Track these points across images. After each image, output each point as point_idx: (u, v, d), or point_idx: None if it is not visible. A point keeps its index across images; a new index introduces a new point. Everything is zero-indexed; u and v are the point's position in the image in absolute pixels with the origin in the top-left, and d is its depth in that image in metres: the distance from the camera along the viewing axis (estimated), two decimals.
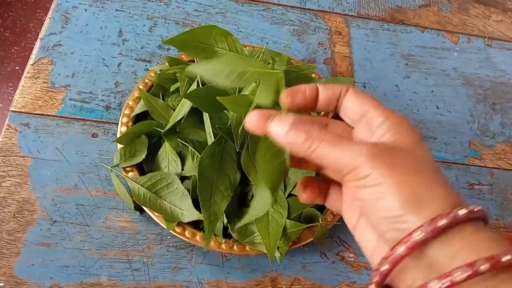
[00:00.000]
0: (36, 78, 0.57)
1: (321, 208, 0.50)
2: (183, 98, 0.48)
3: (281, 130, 0.27)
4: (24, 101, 0.55)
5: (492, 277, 0.22)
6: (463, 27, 0.78)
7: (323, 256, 0.52)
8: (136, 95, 0.54)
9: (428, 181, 0.25)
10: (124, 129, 0.52)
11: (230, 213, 0.47)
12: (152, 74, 0.55)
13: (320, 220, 0.48)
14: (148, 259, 0.49)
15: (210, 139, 0.46)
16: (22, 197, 0.50)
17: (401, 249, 0.24)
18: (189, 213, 0.46)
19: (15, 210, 0.49)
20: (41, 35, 0.61)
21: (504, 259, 0.22)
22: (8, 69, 1.44)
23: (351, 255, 0.53)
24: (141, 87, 0.54)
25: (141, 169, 0.51)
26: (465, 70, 0.72)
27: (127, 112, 0.53)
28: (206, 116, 0.47)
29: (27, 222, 0.49)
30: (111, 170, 0.50)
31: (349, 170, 0.26)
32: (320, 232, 0.48)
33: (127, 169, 0.50)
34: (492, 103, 0.70)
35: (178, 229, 0.47)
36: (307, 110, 0.31)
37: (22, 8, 1.56)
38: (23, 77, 0.57)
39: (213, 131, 0.46)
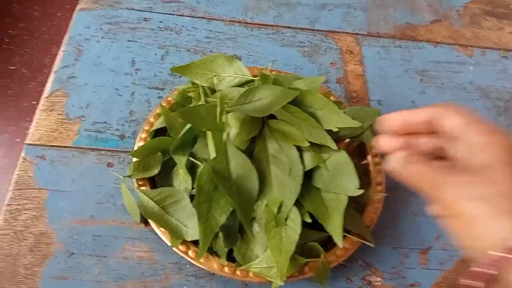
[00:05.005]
0: (50, 111, 0.58)
1: (325, 244, 0.47)
2: None
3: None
4: (39, 133, 0.56)
5: None
6: (476, 40, 0.77)
7: (348, 281, 0.50)
8: (158, 111, 0.54)
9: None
10: (142, 143, 0.52)
11: (233, 232, 0.46)
12: (176, 93, 0.55)
13: (322, 256, 0.45)
14: None
15: (213, 154, 0.45)
16: (38, 230, 0.49)
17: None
18: (194, 232, 0.45)
19: (32, 243, 0.48)
20: (54, 68, 0.61)
21: None
22: (25, 104, 1.47)
23: (378, 279, 0.50)
24: (164, 104, 0.54)
25: (154, 185, 0.50)
26: (481, 83, 0.71)
27: (146, 128, 0.53)
28: (209, 132, 0.46)
29: (44, 255, 0.48)
30: (122, 181, 0.49)
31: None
32: (322, 269, 0.45)
33: (140, 182, 0.49)
34: None
35: (182, 248, 0.46)
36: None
37: (37, 44, 1.61)
38: (37, 110, 0.58)
39: (214, 147, 0.45)
